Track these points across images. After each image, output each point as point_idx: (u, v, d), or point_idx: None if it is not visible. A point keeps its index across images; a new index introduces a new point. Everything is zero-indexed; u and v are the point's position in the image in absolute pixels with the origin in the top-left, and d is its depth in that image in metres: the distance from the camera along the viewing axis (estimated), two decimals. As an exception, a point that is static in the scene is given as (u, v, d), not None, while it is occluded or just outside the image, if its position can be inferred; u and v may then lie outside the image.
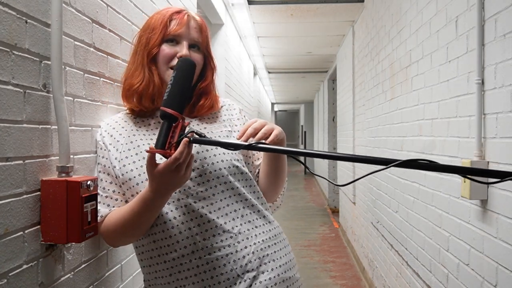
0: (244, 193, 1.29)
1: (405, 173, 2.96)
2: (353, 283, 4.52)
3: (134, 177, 1.23)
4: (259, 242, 1.26)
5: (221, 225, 1.23)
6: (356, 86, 5.28)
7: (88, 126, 1.34)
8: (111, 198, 1.26)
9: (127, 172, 1.23)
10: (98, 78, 1.41)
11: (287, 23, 5.48)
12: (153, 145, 1.07)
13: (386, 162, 0.88)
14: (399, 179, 3.12)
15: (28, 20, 1.05)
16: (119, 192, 1.27)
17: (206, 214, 1.22)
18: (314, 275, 4.71)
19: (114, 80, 1.53)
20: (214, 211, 1.23)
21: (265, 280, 1.23)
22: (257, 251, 1.25)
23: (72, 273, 1.24)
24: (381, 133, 3.77)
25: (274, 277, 1.25)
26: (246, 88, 6.69)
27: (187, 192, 1.22)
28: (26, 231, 1.04)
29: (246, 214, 1.28)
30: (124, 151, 1.26)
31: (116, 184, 1.27)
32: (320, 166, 12.02)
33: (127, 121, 1.32)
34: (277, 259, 1.29)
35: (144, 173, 1.21)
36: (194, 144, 1.15)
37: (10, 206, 0.98)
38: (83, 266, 1.30)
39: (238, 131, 1.36)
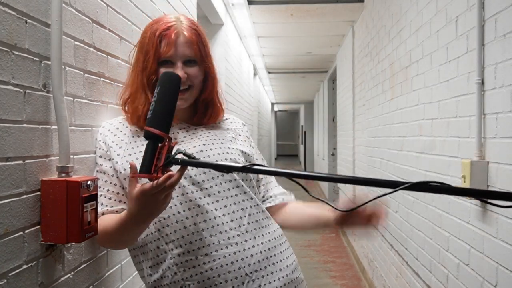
0: (249, 192, 1.30)
1: (405, 173, 2.96)
2: (353, 283, 4.52)
3: None
4: (266, 242, 1.27)
5: (227, 222, 1.22)
6: (356, 86, 5.28)
7: (88, 126, 1.34)
8: (105, 197, 1.26)
9: (126, 169, 1.23)
10: (98, 78, 1.41)
11: (287, 23, 5.48)
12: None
13: (394, 185, 0.81)
14: (399, 179, 3.12)
15: (28, 20, 1.05)
16: (113, 192, 1.26)
17: (212, 211, 1.22)
18: (314, 275, 4.71)
19: (114, 80, 1.53)
20: (221, 208, 1.23)
21: (274, 280, 1.24)
22: (265, 250, 1.25)
23: (72, 273, 1.24)
24: (381, 133, 3.77)
25: (283, 277, 1.26)
26: (246, 88, 6.69)
27: (193, 188, 1.22)
28: (26, 231, 1.04)
29: (253, 214, 1.28)
30: (127, 149, 1.27)
31: (111, 183, 1.26)
32: (320, 166, 12.02)
33: (129, 127, 1.33)
34: (284, 259, 1.30)
35: None
36: (203, 137, 1.16)
37: (10, 206, 0.98)
38: (83, 266, 1.30)
39: (244, 140, 1.40)
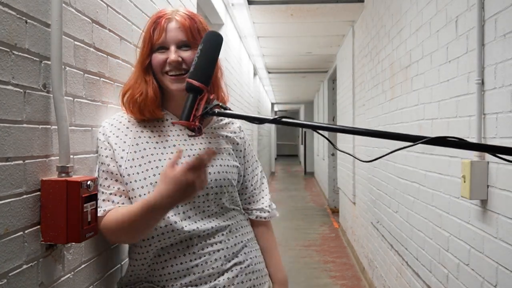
0: (237, 198, 1.44)
1: (405, 173, 2.96)
2: (353, 283, 4.52)
3: (139, 186, 1.27)
4: (246, 240, 1.41)
5: (216, 225, 1.33)
6: (356, 86, 5.28)
7: (88, 126, 1.34)
8: (115, 195, 1.28)
9: (135, 181, 1.27)
10: (98, 78, 1.41)
11: (287, 23, 5.48)
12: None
13: (414, 139, 0.88)
14: (399, 179, 3.12)
15: (28, 20, 1.05)
16: (123, 190, 1.28)
17: (204, 225, 1.31)
18: (314, 275, 4.71)
19: (114, 80, 1.53)
20: (208, 217, 1.33)
21: (245, 267, 1.36)
22: (246, 246, 1.39)
23: (72, 273, 1.24)
24: (381, 133, 3.76)
25: (253, 264, 1.39)
26: (246, 88, 6.69)
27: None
28: (26, 231, 1.04)
29: (235, 215, 1.41)
30: (130, 152, 1.29)
31: (121, 182, 1.29)
32: (320, 166, 12.02)
33: (131, 122, 1.34)
34: (255, 252, 1.43)
35: (150, 183, 1.26)
36: (203, 147, 1.28)
37: (10, 206, 0.98)
38: (83, 266, 1.30)
39: (240, 151, 1.46)
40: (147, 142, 1.30)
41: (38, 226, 1.09)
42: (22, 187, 1.03)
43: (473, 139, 1.86)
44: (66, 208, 1.10)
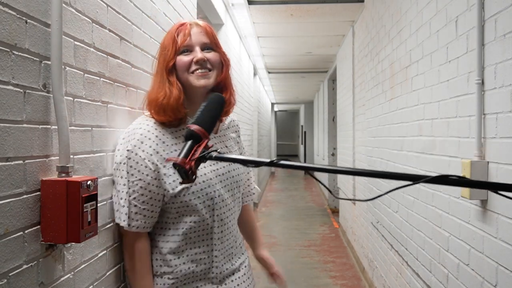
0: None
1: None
2: (353, 283, 4.52)
3: (188, 191, 1.40)
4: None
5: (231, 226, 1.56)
6: (356, 86, 5.28)
7: (88, 126, 1.34)
8: (149, 211, 1.40)
9: (178, 186, 1.38)
10: (98, 78, 1.41)
11: (287, 23, 5.48)
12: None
13: (414, 178, 0.83)
14: (399, 179, 3.12)
15: (28, 20, 1.05)
16: (154, 208, 1.41)
17: (230, 221, 1.53)
18: (314, 275, 4.71)
19: (114, 80, 1.53)
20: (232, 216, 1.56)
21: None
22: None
23: (72, 273, 1.24)
24: (381, 133, 3.77)
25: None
26: (246, 88, 6.69)
27: (223, 204, 1.49)
28: (26, 231, 1.04)
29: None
30: (170, 167, 1.39)
31: (156, 199, 1.40)
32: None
33: (161, 131, 1.43)
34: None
35: (195, 184, 1.39)
36: (222, 165, 1.48)
37: (10, 206, 0.99)
38: (83, 266, 1.30)
39: (239, 148, 1.66)
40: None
41: (38, 226, 1.09)
42: (22, 187, 1.03)
43: (473, 139, 1.86)
44: (66, 208, 1.10)
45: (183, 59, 1.40)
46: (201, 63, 1.40)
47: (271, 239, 6.16)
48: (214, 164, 1.46)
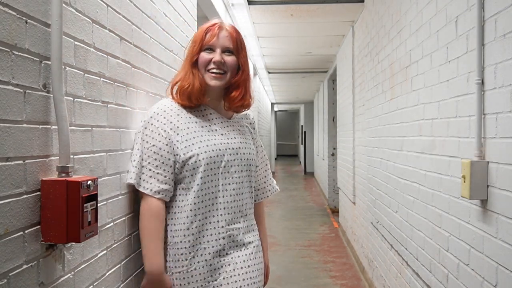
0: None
1: (405, 173, 2.96)
2: (353, 283, 4.52)
3: (198, 154, 1.56)
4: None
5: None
6: (356, 86, 5.28)
7: (88, 126, 1.34)
8: (161, 175, 1.54)
9: (191, 150, 1.55)
10: (98, 78, 1.41)
11: (287, 23, 5.48)
12: None
13: None
14: (399, 179, 3.12)
15: (28, 20, 1.05)
16: (168, 171, 1.55)
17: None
18: (314, 275, 4.71)
19: (114, 80, 1.53)
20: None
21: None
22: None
23: (72, 273, 1.24)
24: (381, 133, 3.77)
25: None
26: (246, 88, 6.67)
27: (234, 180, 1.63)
28: (26, 231, 1.04)
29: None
30: (185, 134, 1.58)
31: (168, 165, 1.55)
32: (320, 166, 12.02)
33: (179, 109, 1.62)
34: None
35: (204, 151, 1.56)
36: (235, 133, 1.69)
37: (10, 206, 0.99)
38: (83, 266, 1.30)
39: (254, 138, 1.80)
40: (196, 127, 1.61)
41: (38, 226, 1.09)
42: (22, 187, 1.03)
43: (473, 139, 1.86)
44: (66, 208, 1.10)
45: (204, 56, 1.60)
46: (218, 64, 1.59)
47: (271, 239, 6.16)
48: (226, 138, 1.64)
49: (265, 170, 1.88)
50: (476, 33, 1.82)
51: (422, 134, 2.58)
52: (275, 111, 22.14)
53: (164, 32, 2.11)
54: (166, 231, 1.60)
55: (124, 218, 1.63)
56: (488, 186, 1.76)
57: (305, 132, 17.27)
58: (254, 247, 1.67)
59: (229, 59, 1.61)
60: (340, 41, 6.53)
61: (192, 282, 1.55)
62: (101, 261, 1.42)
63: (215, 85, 1.60)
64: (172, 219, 1.60)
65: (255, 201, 1.81)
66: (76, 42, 1.26)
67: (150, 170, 1.53)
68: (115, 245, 1.54)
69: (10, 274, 0.98)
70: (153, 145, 1.55)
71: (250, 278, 1.63)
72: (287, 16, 5.11)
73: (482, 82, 1.81)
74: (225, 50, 1.60)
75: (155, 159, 1.54)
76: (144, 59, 1.83)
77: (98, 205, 1.30)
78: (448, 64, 2.18)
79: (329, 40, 6.51)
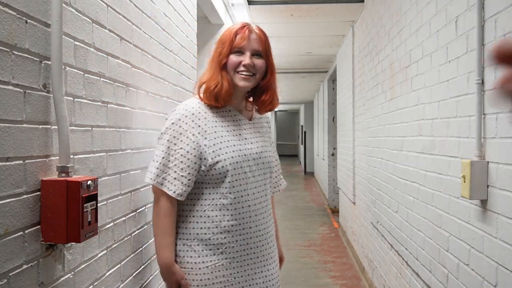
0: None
1: (405, 173, 2.96)
2: (353, 283, 4.52)
3: (225, 159, 1.59)
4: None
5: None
6: (356, 86, 5.28)
7: (88, 126, 1.34)
8: (186, 178, 1.56)
9: (219, 155, 1.58)
10: (98, 78, 1.41)
11: (287, 23, 5.48)
12: None
13: None
14: (399, 179, 3.12)
15: (28, 20, 1.05)
16: (192, 175, 1.58)
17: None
18: (314, 275, 4.71)
19: (114, 80, 1.53)
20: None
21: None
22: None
23: (72, 273, 1.24)
24: (381, 133, 3.77)
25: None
26: (246, 88, 6.68)
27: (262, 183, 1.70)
28: (26, 231, 1.04)
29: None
30: (212, 139, 1.60)
31: (193, 168, 1.57)
32: (320, 166, 12.02)
33: (207, 111, 1.64)
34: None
35: (231, 157, 1.59)
36: (258, 136, 1.74)
37: (10, 206, 0.99)
38: (83, 266, 1.30)
39: (269, 137, 1.84)
40: (222, 131, 1.63)
41: (38, 226, 1.09)
42: (22, 187, 1.03)
43: (473, 139, 1.86)
44: (66, 208, 1.10)
45: (233, 59, 1.61)
46: (247, 67, 1.61)
47: (271, 239, 6.16)
48: (250, 143, 1.68)
49: (276, 165, 1.94)
50: (476, 33, 1.82)
51: (422, 134, 2.58)
52: (275, 111, 22.13)
53: (164, 32, 2.11)
54: (180, 227, 1.64)
55: (124, 218, 1.63)
56: (488, 186, 1.76)
57: (305, 132, 17.27)
58: (274, 245, 1.77)
59: (259, 62, 1.64)
60: (340, 41, 6.53)
61: (219, 276, 1.60)
62: (101, 261, 1.42)
63: (244, 86, 1.64)
64: (198, 216, 1.62)
65: None
66: (76, 42, 1.26)
67: (175, 172, 1.56)
68: (115, 245, 1.54)
69: (10, 274, 0.98)
70: (181, 148, 1.57)
71: (272, 270, 1.73)
72: (287, 16, 5.11)
73: (482, 82, 1.81)
74: (255, 53, 1.63)
75: (181, 162, 1.56)
76: (144, 59, 1.83)
77: (98, 205, 1.30)
78: (448, 64, 2.18)
79: (329, 40, 6.51)
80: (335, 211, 8.38)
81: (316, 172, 14.11)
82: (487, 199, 1.76)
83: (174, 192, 1.55)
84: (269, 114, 1.88)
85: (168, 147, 1.57)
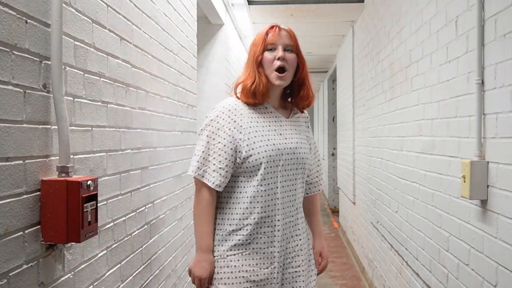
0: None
1: (405, 173, 2.96)
2: (353, 283, 4.52)
3: (258, 152, 1.65)
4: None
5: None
6: (356, 86, 5.28)
7: (88, 126, 1.34)
8: (223, 170, 1.64)
9: (253, 149, 1.65)
10: (98, 78, 1.41)
11: (287, 23, 5.44)
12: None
13: None
14: (399, 179, 3.12)
15: (28, 20, 1.05)
16: (229, 168, 1.65)
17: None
18: (314, 275, 4.70)
19: (114, 80, 1.53)
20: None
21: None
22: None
23: (72, 273, 1.24)
24: (381, 133, 3.77)
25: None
26: (246, 88, 6.67)
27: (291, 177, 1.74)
28: (26, 231, 1.04)
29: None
30: (247, 133, 1.67)
31: (230, 160, 1.65)
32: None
33: (243, 109, 1.71)
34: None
35: (265, 151, 1.65)
36: (294, 132, 1.79)
37: (10, 206, 0.99)
38: (83, 266, 1.30)
39: (308, 137, 1.88)
40: (257, 126, 1.70)
41: (38, 226, 1.09)
42: (22, 187, 1.03)
43: (473, 139, 1.86)
44: (66, 208, 1.10)
45: (268, 56, 1.70)
46: (281, 59, 1.69)
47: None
48: (284, 138, 1.73)
49: (318, 165, 2.01)
50: (476, 33, 1.82)
51: (422, 134, 2.58)
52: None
53: (164, 32, 2.11)
54: (217, 218, 1.72)
55: (124, 218, 1.63)
56: (488, 186, 1.76)
57: (305, 132, 17.26)
58: (301, 239, 1.81)
59: (290, 56, 1.72)
60: (340, 41, 6.53)
61: (245, 265, 1.66)
62: (101, 261, 1.42)
63: (280, 85, 1.71)
64: (230, 208, 1.70)
65: (307, 194, 1.95)
66: (76, 42, 1.26)
67: (214, 165, 1.65)
68: (115, 245, 1.54)
69: (10, 274, 0.98)
70: (219, 142, 1.66)
71: (299, 268, 1.78)
72: (287, 16, 5.11)
73: (482, 82, 1.81)
74: (286, 48, 1.72)
75: (219, 155, 1.65)
76: (144, 59, 1.83)
77: (98, 205, 1.30)
78: (448, 64, 2.18)
79: (329, 40, 6.51)
80: (335, 211, 8.37)
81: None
82: (487, 199, 1.76)
83: (213, 183, 1.64)
84: (308, 114, 1.93)
85: (208, 142, 1.67)
